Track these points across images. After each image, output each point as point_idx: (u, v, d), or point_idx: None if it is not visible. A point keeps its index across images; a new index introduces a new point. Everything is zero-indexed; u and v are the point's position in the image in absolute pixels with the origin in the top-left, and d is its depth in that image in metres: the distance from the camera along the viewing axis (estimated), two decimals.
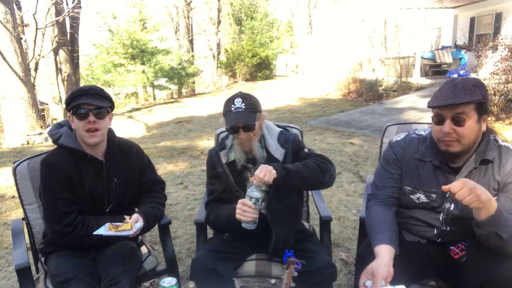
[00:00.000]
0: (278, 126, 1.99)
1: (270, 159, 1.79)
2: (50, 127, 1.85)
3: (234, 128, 1.71)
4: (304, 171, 1.64)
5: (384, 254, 1.40)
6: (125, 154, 1.91)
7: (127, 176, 1.88)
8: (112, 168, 1.83)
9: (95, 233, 1.67)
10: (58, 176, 1.71)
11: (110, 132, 1.89)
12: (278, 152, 1.79)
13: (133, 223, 1.72)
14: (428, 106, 1.46)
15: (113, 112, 1.87)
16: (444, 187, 1.30)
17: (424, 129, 1.68)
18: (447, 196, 1.54)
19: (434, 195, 1.56)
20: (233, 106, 1.71)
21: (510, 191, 1.47)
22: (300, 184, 1.70)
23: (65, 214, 1.70)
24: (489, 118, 7.43)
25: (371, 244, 1.49)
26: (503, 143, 1.53)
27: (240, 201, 1.58)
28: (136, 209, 1.95)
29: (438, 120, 1.45)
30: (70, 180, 1.73)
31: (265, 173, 1.52)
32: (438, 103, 1.41)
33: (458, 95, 1.38)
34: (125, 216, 1.78)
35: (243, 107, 1.70)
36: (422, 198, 1.59)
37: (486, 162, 1.48)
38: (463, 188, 1.25)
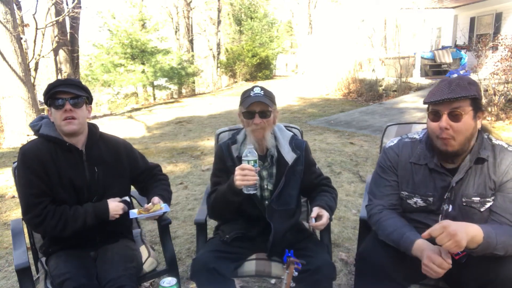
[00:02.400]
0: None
1: (279, 160, 1.82)
2: (32, 120, 1.85)
3: (250, 112, 1.74)
4: (334, 206, 1.83)
5: (427, 243, 1.41)
6: (111, 148, 1.89)
7: (114, 169, 1.86)
8: (93, 158, 1.82)
9: (131, 216, 1.71)
10: (31, 164, 1.69)
11: (93, 126, 1.90)
12: (288, 155, 1.81)
13: (160, 204, 1.75)
14: (424, 102, 1.47)
15: (91, 104, 1.88)
16: (424, 234, 1.32)
17: (417, 132, 1.68)
18: (444, 197, 1.54)
19: (431, 199, 1.56)
20: (252, 92, 1.77)
21: (507, 190, 1.46)
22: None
23: (33, 205, 1.68)
24: (489, 118, 7.41)
25: (403, 243, 1.48)
26: (497, 142, 1.52)
27: (238, 167, 1.61)
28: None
29: (435, 116, 1.45)
30: (45, 169, 1.70)
31: (325, 224, 1.66)
32: (434, 98, 1.42)
33: (454, 90, 1.40)
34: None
35: (262, 93, 1.76)
36: (420, 202, 1.59)
37: (481, 161, 1.49)
38: (443, 233, 1.25)
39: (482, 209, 1.49)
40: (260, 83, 18.30)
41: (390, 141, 1.72)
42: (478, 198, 1.49)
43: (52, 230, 1.70)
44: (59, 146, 1.76)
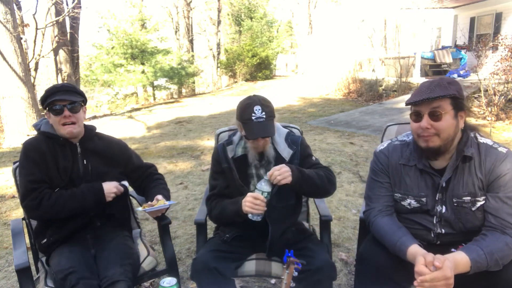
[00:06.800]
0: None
1: (277, 157, 1.82)
2: (35, 122, 2.01)
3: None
4: (317, 180, 1.73)
5: (421, 249, 1.42)
6: (105, 144, 2.01)
7: (107, 162, 1.96)
8: (88, 152, 1.92)
9: (138, 213, 1.85)
10: (31, 155, 1.81)
11: (90, 126, 2.02)
12: (285, 151, 1.82)
13: (164, 200, 1.87)
14: (406, 104, 1.50)
15: (86, 105, 1.99)
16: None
17: (406, 134, 1.69)
18: (437, 198, 1.55)
19: (424, 199, 1.57)
20: (253, 115, 1.67)
21: (496, 190, 1.46)
22: (310, 191, 1.78)
23: (31, 190, 1.76)
24: (489, 118, 7.39)
25: (398, 249, 1.48)
26: (482, 140, 1.53)
27: (250, 195, 1.62)
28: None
29: (416, 117, 1.49)
30: (44, 159, 1.81)
31: (284, 176, 1.60)
32: (414, 99, 1.45)
33: (433, 90, 1.43)
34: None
35: (264, 116, 1.67)
36: (413, 203, 1.60)
37: (468, 159, 1.50)
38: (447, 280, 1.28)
39: (473, 209, 1.50)
40: (260, 83, 18.30)
41: (381, 144, 1.75)
42: (469, 198, 1.50)
43: (50, 210, 1.76)
44: (56, 141, 1.88)
